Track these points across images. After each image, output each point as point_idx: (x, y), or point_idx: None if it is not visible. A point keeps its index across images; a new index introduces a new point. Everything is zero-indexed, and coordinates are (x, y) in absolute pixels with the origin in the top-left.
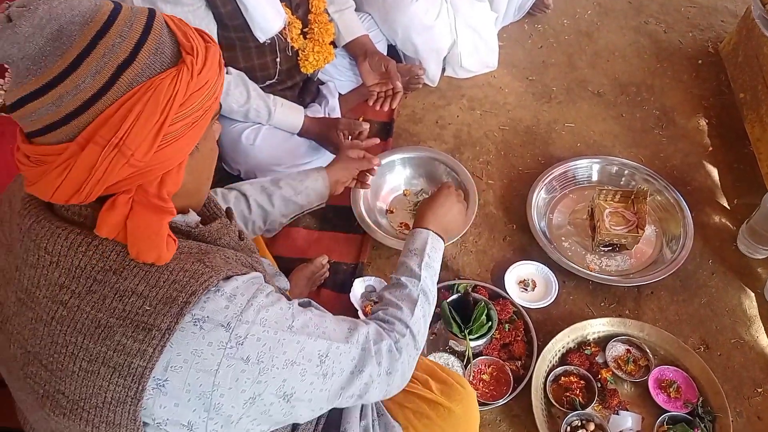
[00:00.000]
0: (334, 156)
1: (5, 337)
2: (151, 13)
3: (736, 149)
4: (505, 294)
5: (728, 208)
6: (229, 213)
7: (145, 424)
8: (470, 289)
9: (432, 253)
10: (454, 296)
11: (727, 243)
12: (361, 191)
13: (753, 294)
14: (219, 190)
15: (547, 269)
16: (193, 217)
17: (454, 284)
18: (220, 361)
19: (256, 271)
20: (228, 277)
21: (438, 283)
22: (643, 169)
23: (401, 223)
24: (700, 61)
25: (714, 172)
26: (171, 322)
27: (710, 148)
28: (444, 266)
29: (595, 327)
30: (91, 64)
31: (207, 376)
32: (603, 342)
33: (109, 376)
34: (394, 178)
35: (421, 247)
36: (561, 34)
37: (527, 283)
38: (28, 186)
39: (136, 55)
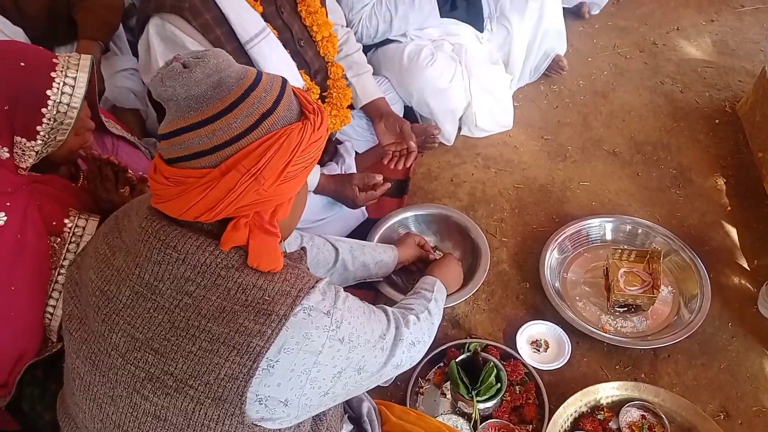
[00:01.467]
0: (351, 210)
1: (107, 328)
2: (284, 80)
3: (755, 209)
4: (517, 354)
5: (748, 269)
6: (304, 250)
7: (247, 399)
8: (480, 349)
9: (438, 291)
10: (463, 356)
11: (748, 305)
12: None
13: None
14: (308, 233)
15: (560, 330)
16: (283, 245)
17: (465, 343)
18: (324, 342)
19: None
20: (317, 280)
21: (449, 341)
22: (658, 228)
23: (414, 281)
24: (717, 121)
25: (733, 232)
26: (287, 310)
27: (728, 208)
28: (456, 324)
29: (609, 391)
30: (243, 109)
31: (312, 356)
32: (617, 407)
33: (227, 354)
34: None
35: (431, 283)
36: (576, 94)
37: (540, 344)
38: (158, 203)
39: (276, 107)
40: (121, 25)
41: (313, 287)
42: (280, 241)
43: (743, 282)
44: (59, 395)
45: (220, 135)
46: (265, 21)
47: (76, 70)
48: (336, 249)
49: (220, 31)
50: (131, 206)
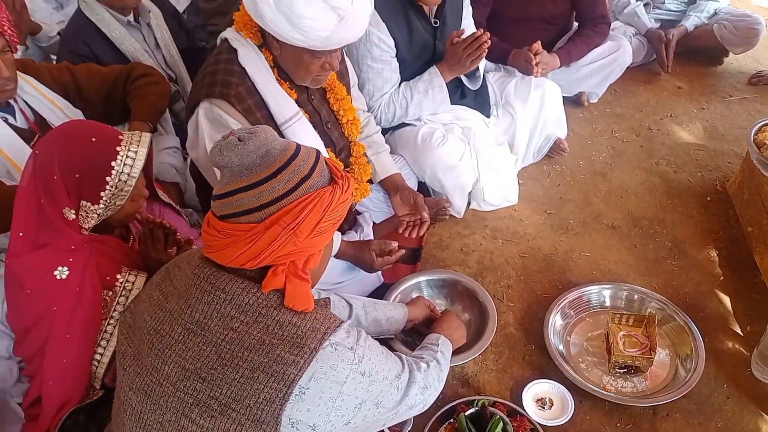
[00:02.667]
0: (368, 274)
1: (160, 361)
2: (318, 152)
3: (747, 279)
4: (523, 411)
5: (741, 334)
6: (328, 299)
7: (282, 422)
8: (488, 405)
9: (443, 345)
10: (472, 410)
11: (741, 368)
12: None
13: None
14: (326, 293)
15: (564, 388)
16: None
17: (474, 400)
18: (348, 374)
19: None
20: (342, 321)
21: (458, 398)
22: (653, 294)
23: None
24: (708, 198)
25: (726, 300)
26: (317, 344)
27: (721, 278)
28: (465, 383)
29: None
30: (285, 175)
31: (337, 385)
32: None
33: (266, 381)
34: None
35: (435, 338)
36: (577, 173)
37: (544, 401)
38: (209, 252)
39: (312, 174)
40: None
41: (339, 326)
42: (311, 287)
43: (737, 346)
44: (107, 428)
45: (266, 196)
46: (298, 106)
47: (137, 146)
48: (350, 305)
49: (260, 114)
50: (181, 259)
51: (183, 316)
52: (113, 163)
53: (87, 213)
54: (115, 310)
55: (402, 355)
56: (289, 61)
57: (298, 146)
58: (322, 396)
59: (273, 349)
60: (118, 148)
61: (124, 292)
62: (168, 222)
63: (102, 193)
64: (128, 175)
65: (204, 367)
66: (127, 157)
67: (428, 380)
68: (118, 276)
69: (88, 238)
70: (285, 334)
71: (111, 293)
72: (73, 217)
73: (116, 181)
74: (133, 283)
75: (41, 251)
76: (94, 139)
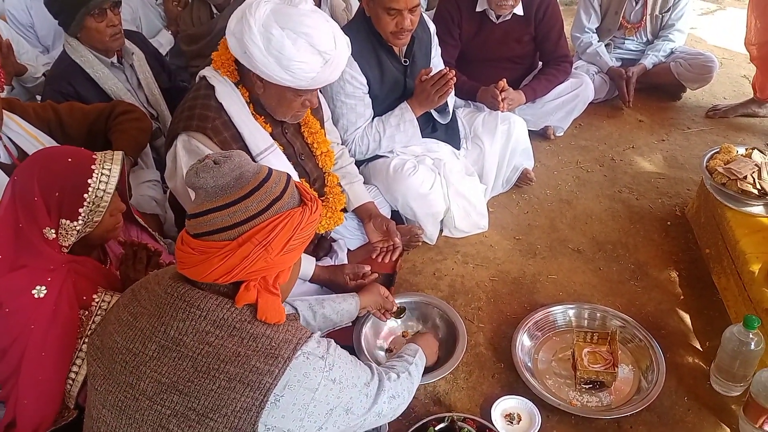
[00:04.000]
0: None
1: (134, 378)
2: (288, 176)
3: (705, 297)
4: (492, 426)
5: (701, 350)
6: (297, 312)
7: (258, 430)
8: (458, 420)
9: (419, 358)
10: (442, 425)
11: (701, 382)
12: (364, 330)
13: (728, 429)
14: None
15: (531, 404)
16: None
17: (445, 416)
18: (320, 381)
19: None
20: (312, 333)
21: (430, 415)
22: (614, 313)
23: None
24: (669, 223)
25: (686, 317)
26: (290, 354)
27: (681, 297)
28: (437, 401)
29: None
30: (258, 196)
31: (309, 392)
32: None
33: (242, 390)
34: (394, 320)
35: (414, 350)
36: (544, 201)
37: (513, 417)
38: (183, 269)
39: (283, 195)
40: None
41: (310, 337)
42: (282, 301)
43: (696, 361)
44: None
45: (239, 215)
46: (273, 139)
47: (111, 163)
48: (295, 308)
49: (236, 146)
50: (147, 280)
51: (157, 333)
52: (89, 180)
53: (67, 230)
54: (90, 329)
55: (372, 364)
56: (272, 99)
57: (270, 170)
58: (296, 403)
59: (248, 360)
60: (93, 167)
61: (100, 311)
62: (151, 245)
63: (80, 210)
64: (104, 191)
65: (181, 380)
66: (102, 174)
67: (397, 389)
68: (95, 296)
69: (66, 258)
70: (259, 346)
71: (87, 312)
72: (54, 236)
73: (93, 197)
74: (108, 303)
75: (20, 271)
76: (70, 160)
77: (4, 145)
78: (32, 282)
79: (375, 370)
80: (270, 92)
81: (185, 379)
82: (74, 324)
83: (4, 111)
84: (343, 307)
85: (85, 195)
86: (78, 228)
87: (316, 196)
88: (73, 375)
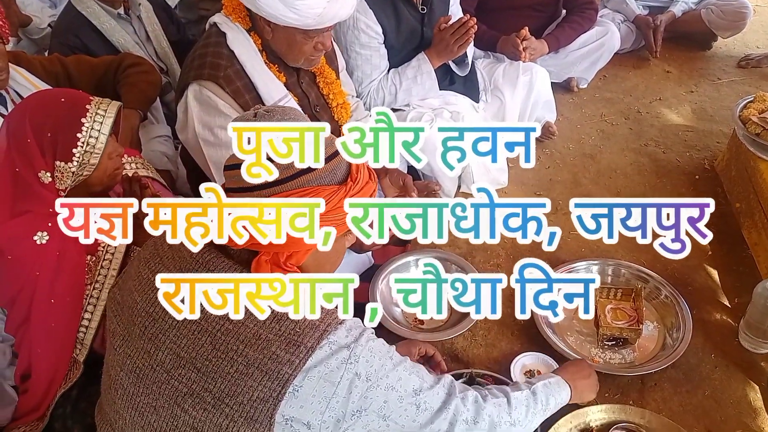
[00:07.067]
0: (358, 255)
1: (153, 346)
2: (336, 150)
3: (735, 253)
4: (510, 382)
5: (729, 306)
6: None
7: (275, 420)
8: (477, 376)
9: (547, 386)
10: (461, 381)
11: (729, 339)
12: (380, 286)
13: (757, 387)
14: None
15: (551, 360)
16: None
17: (463, 373)
18: (342, 374)
19: None
20: (345, 319)
21: (448, 372)
22: (639, 269)
23: (415, 319)
24: (697, 177)
25: (714, 273)
26: (314, 343)
27: (709, 252)
28: (455, 358)
29: (597, 414)
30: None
31: (331, 385)
32: (605, 429)
33: (260, 378)
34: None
35: (544, 377)
36: (566, 156)
37: (532, 373)
38: None
39: (317, 169)
40: (158, 99)
41: (341, 323)
42: None
43: (725, 317)
44: (97, 403)
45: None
46: (287, 89)
47: (108, 105)
48: None
49: (249, 96)
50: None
51: None
52: (83, 119)
53: (62, 173)
54: (99, 274)
55: (447, 376)
56: (282, 43)
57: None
58: (315, 394)
59: (269, 346)
60: (87, 106)
61: (107, 256)
62: (147, 181)
63: (74, 150)
64: (99, 131)
65: (199, 357)
66: (97, 114)
67: (475, 415)
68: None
69: None
70: (282, 330)
71: (94, 258)
72: (50, 179)
73: (87, 137)
74: (115, 247)
75: (20, 218)
76: (63, 99)
77: (12, 100)
78: (33, 228)
79: (445, 382)
80: (279, 36)
81: (204, 357)
82: (81, 269)
83: (10, 64)
84: None
85: (79, 134)
86: (73, 170)
87: (373, 179)
88: (85, 322)
